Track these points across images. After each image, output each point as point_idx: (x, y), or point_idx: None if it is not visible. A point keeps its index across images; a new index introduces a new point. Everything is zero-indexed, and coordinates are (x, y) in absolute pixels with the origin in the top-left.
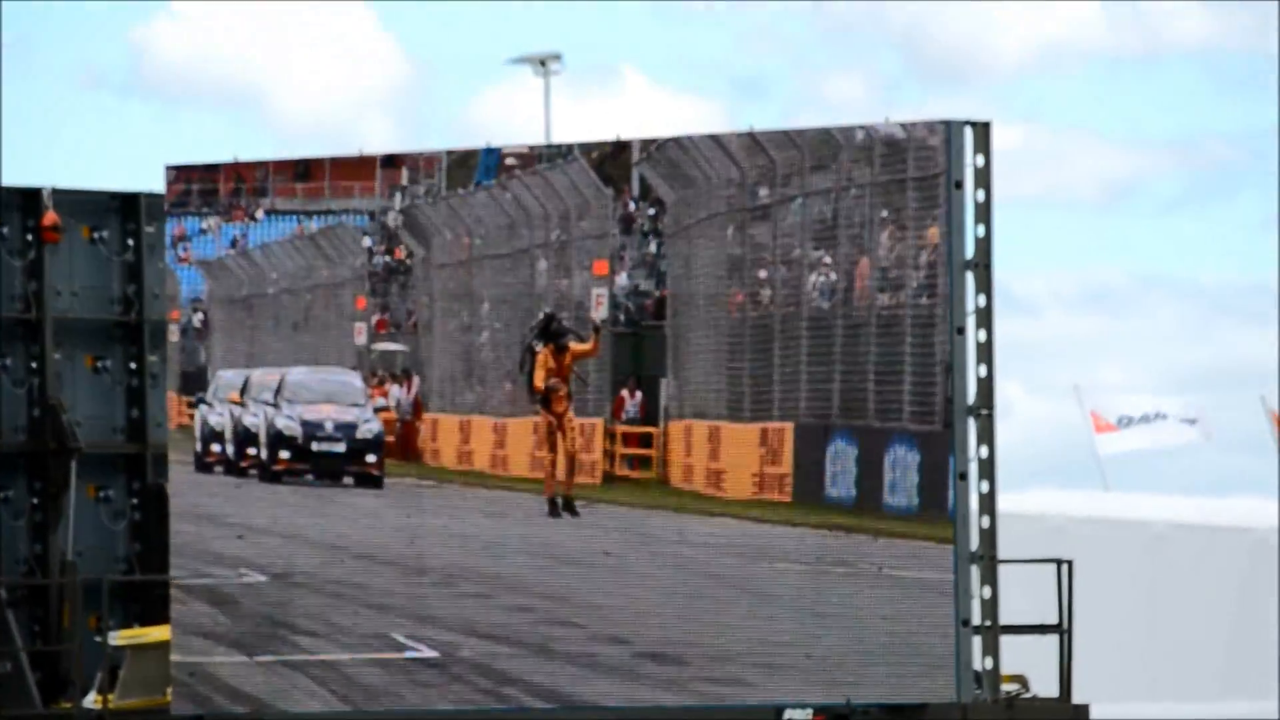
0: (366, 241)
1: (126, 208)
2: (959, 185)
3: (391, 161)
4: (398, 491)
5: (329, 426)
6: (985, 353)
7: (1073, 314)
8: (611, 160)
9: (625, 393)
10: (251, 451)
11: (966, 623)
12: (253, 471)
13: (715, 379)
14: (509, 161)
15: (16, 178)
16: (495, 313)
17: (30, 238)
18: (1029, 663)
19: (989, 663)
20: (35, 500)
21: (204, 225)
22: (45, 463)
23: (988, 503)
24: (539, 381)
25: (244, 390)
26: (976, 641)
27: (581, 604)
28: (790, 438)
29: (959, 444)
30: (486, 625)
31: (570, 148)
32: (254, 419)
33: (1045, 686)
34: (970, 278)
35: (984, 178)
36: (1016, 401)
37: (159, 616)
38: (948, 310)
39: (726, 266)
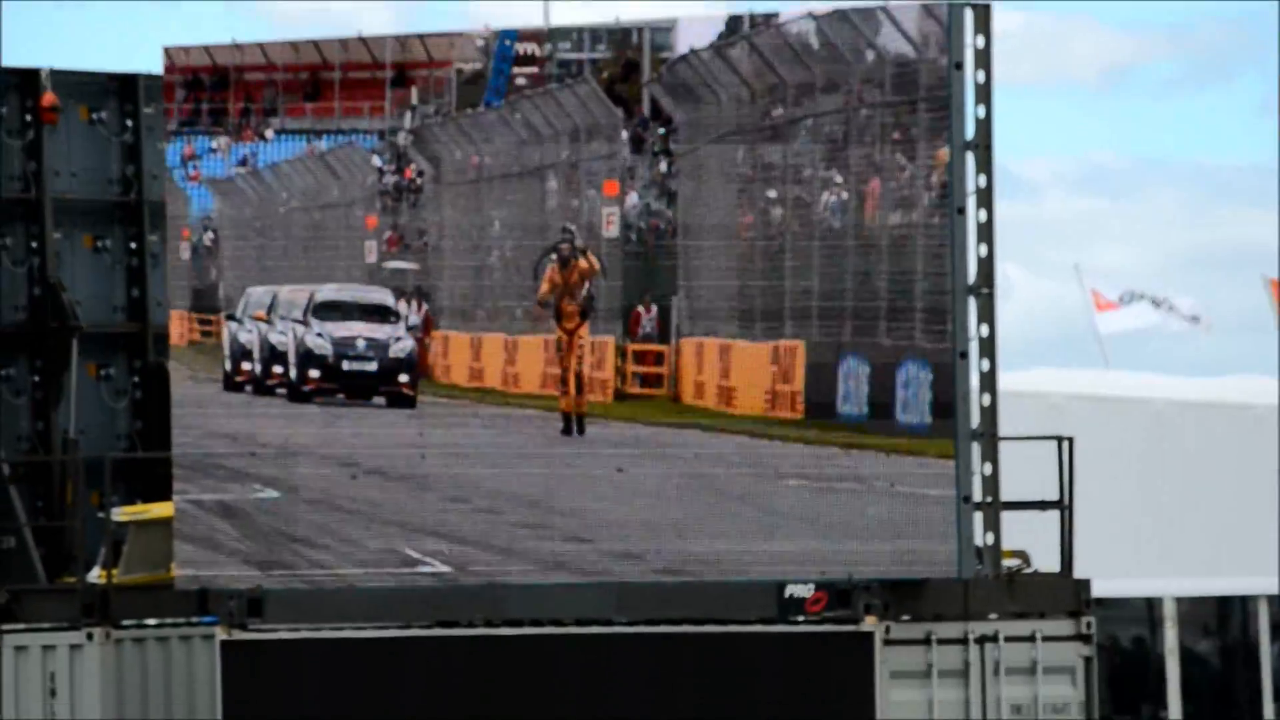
0: (376, 161)
1: (125, 89)
2: (959, 67)
3: (401, 80)
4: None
5: (360, 345)
6: (985, 232)
7: (1073, 196)
8: (622, 80)
9: (641, 309)
10: (279, 370)
11: (968, 499)
12: (281, 391)
13: (726, 298)
14: (519, 81)
15: (14, 59)
16: (505, 232)
17: (29, 118)
18: (1030, 540)
19: (990, 539)
20: (36, 379)
21: (214, 144)
22: (46, 341)
23: (988, 380)
24: (540, 294)
25: (271, 308)
26: (978, 518)
27: (594, 520)
28: (802, 355)
29: (959, 323)
30: (498, 541)
31: (580, 66)
32: (282, 337)
33: (1047, 562)
34: (970, 158)
35: (984, 59)
36: (1017, 283)
37: (161, 493)
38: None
39: (738, 186)
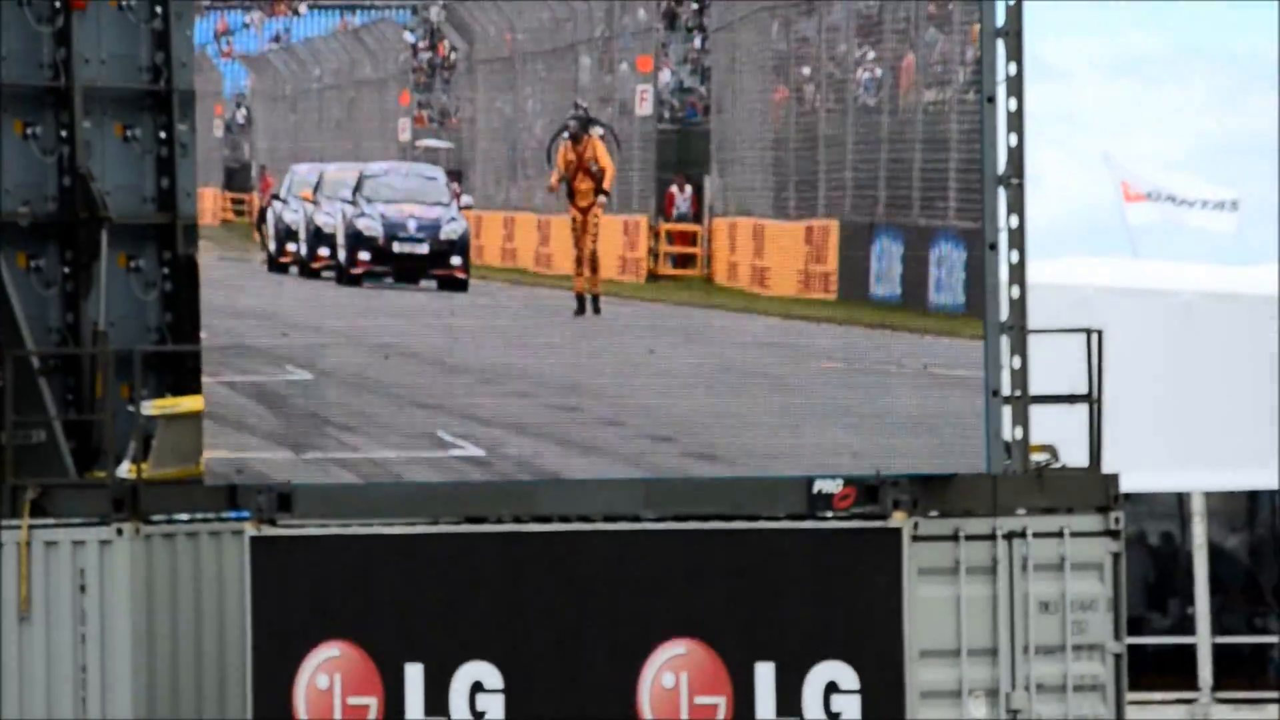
0: (409, 37)
1: None
2: None
3: None
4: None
5: (411, 226)
6: (1015, 121)
7: (1106, 81)
8: None
9: (674, 188)
10: (324, 252)
11: (996, 393)
12: (327, 274)
13: (760, 177)
14: None
15: None
16: (539, 109)
17: (58, 4)
18: (1058, 433)
19: (1018, 433)
20: (66, 270)
21: (246, 19)
22: (75, 232)
23: (1017, 272)
24: (551, 182)
25: (317, 187)
26: (1006, 412)
27: (627, 403)
28: (835, 235)
29: (988, 213)
30: (531, 423)
31: None
32: (328, 218)
33: (1075, 456)
34: (1000, 45)
35: None
36: (1048, 171)
37: (191, 387)
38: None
39: (771, 63)
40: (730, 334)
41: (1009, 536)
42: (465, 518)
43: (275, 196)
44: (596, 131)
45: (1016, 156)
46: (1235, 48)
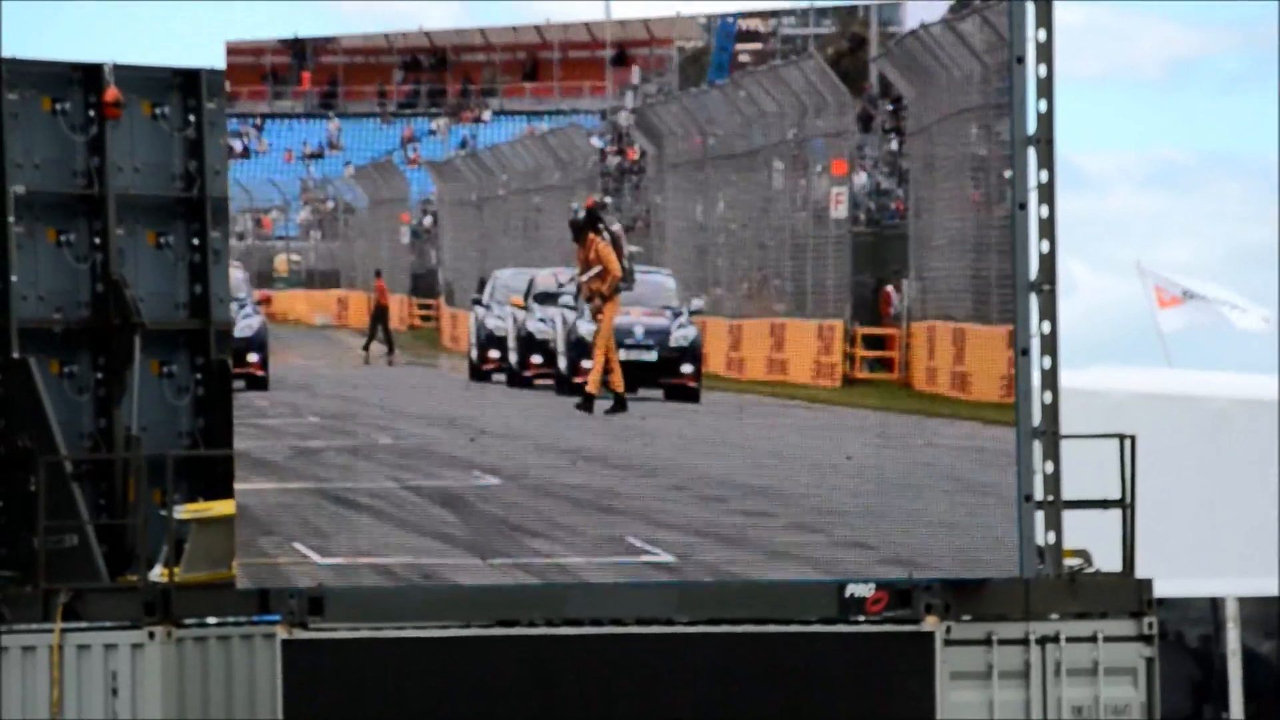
0: (597, 142)
1: (188, 84)
2: (1020, 61)
3: (622, 60)
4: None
5: (639, 332)
6: (1047, 228)
7: (1139, 192)
8: (848, 55)
9: (890, 289)
10: (537, 360)
11: (1029, 498)
12: (540, 381)
13: (960, 279)
14: (742, 58)
15: (78, 53)
16: (730, 213)
17: (92, 114)
18: (1092, 539)
19: (1051, 538)
20: (99, 375)
21: (433, 126)
22: (109, 338)
23: (1050, 378)
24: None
25: (528, 293)
26: (1039, 517)
27: (822, 509)
28: None
29: (1020, 320)
30: (723, 528)
31: (805, 42)
32: (541, 325)
33: (1108, 562)
34: (1032, 153)
35: (1045, 53)
36: (1082, 280)
37: (223, 491)
38: None
39: (971, 165)
40: (931, 438)
41: (1042, 641)
42: (496, 621)
43: (477, 301)
44: (616, 226)
45: (1048, 263)
46: (1268, 155)
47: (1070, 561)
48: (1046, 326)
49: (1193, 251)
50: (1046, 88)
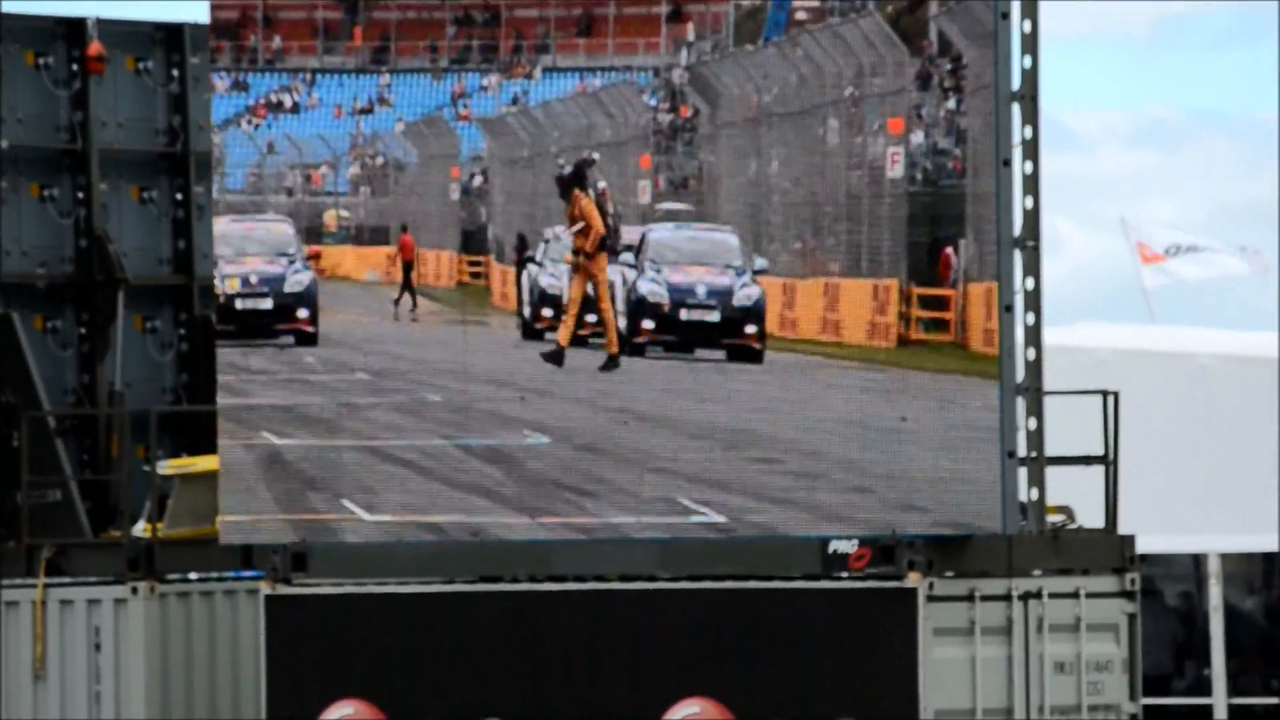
0: (650, 99)
1: (171, 38)
2: (1005, 16)
3: (677, 16)
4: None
5: (701, 291)
6: (1031, 185)
7: (1126, 150)
8: (908, 13)
9: (950, 251)
10: (591, 319)
11: (1012, 454)
12: (594, 340)
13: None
14: (800, 15)
15: (61, 8)
16: (784, 172)
17: (75, 68)
18: (1075, 495)
19: (1034, 494)
20: (82, 331)
21: (484, 83)
22: (92, 294)
23: (1034, 335)
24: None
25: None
26: (1022, 473)
27: (874, 473)
28: None
29: (1004, 276)
30: (775, 489)
31: (865, 1)
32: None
33: (1091, 518)
34: (1016, 109)
35: (1030, 9)
36: (1068, 238)
37: (206, 447)
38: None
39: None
40: (988, 400)
41: (1024, 597)
42: (480, 577)
43: (530, 259)
44: (601, 184)
45: (1032, 219)
46: (1256, 114)
47: (1053, 518)
48: (1030, 283)
49: (1180, 209)
50: (1031, 43)
